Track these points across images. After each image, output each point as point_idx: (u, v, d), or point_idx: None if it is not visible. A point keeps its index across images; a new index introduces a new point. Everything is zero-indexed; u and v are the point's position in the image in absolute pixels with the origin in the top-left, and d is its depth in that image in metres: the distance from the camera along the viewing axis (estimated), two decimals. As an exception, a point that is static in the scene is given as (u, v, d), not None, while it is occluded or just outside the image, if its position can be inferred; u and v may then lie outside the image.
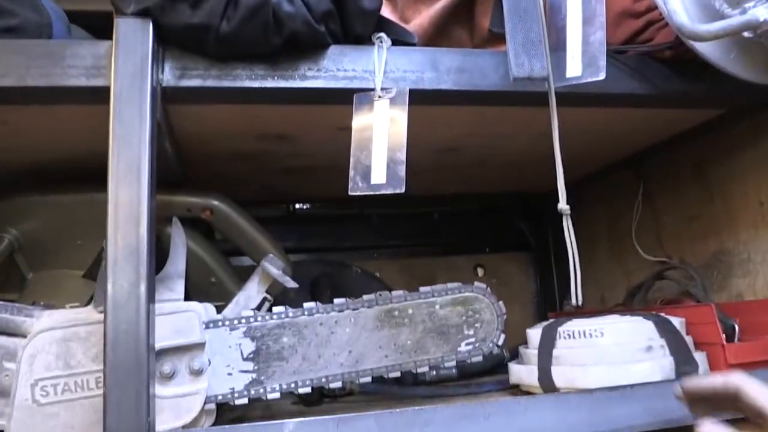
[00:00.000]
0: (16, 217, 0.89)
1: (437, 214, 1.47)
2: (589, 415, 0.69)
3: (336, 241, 1.40)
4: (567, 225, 0.68)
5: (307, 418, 0.63)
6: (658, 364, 0.76)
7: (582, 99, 0.78)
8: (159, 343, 0.64)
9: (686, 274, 1.09)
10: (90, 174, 0.81)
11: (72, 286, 0.90)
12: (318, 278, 1.08)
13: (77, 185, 0.89)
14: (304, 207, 1.39)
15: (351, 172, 0.68)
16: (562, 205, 0.68)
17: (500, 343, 0.80)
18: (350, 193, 0.68)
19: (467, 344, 0.78)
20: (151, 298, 0.60)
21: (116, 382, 0.58)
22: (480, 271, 1.46)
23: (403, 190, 0.66)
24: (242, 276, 0.86)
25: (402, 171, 0.67)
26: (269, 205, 1.36)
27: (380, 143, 0.68)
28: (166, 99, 0.69)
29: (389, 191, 0.67)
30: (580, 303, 0.70)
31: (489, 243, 1.50)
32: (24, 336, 0.67)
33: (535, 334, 0.84)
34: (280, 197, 1.35)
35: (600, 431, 0.69)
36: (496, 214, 1.52)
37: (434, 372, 0.97)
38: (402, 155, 0.67)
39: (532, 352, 0.82)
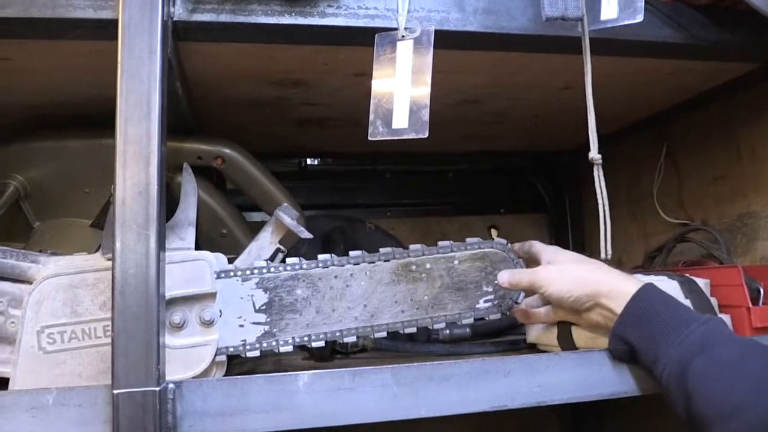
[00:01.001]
0: (21, 164, 0.87)
1: (452, 173, 1.45)
2: (611, 374, 0.68)
3: (348, 198, 1.38)
4: (598, 174, 0.65)
5: (321, 371, 0.61)
6: (684, 324, 0.74)
7: (614, 46, 0.75)
8: (169, 292, 0.62)
9: (709, 236, 1.06)
10: (97, 119, 0.78)
11: (79, 236, 0.88)
12: (330, 233, 1.05)
13: (84, 130, 0.87)
14: (316, 162, 1.37)
15: (371, 116, 0.65)
16: (594, 153, 0.65)
17: (520, 300, 0.78)
18: (370, 138, 0.65)
19: (486, 301, 0.76)
20: (161, 243, 0.57)
21: (125, 329, 0.55)
22: (494, 232, 1.44)
23: (426, 135, 0.63)
24: (254, 230, 0.84)
25: (426, 115, 0.63)
26: (280, 160, 1.33)
27: (403, 86, 0.64)
28: (177, 35, 0.66)
29: (412, 136, 0.63)
30: (609, 256, 0.67)
31: (504, 204, 1.47)
32: (29, 282, 0.66)
33: (555, 292, 0.81)
34: (292, 151, 1.32)
35: (623, 390, 0.68)
36: (512, 174, 1.49)
37: (448, 331, 0.95)
38: (426, 99, 0.64)
39: (552, 310, 0.80)
